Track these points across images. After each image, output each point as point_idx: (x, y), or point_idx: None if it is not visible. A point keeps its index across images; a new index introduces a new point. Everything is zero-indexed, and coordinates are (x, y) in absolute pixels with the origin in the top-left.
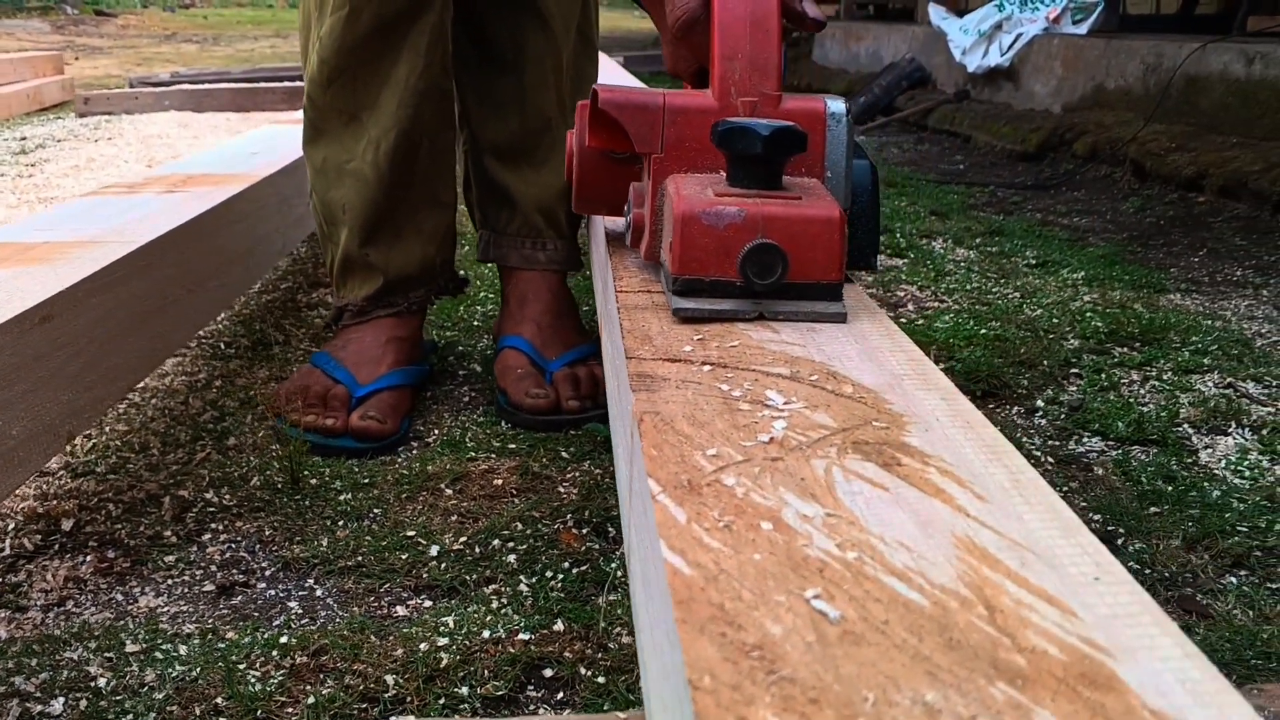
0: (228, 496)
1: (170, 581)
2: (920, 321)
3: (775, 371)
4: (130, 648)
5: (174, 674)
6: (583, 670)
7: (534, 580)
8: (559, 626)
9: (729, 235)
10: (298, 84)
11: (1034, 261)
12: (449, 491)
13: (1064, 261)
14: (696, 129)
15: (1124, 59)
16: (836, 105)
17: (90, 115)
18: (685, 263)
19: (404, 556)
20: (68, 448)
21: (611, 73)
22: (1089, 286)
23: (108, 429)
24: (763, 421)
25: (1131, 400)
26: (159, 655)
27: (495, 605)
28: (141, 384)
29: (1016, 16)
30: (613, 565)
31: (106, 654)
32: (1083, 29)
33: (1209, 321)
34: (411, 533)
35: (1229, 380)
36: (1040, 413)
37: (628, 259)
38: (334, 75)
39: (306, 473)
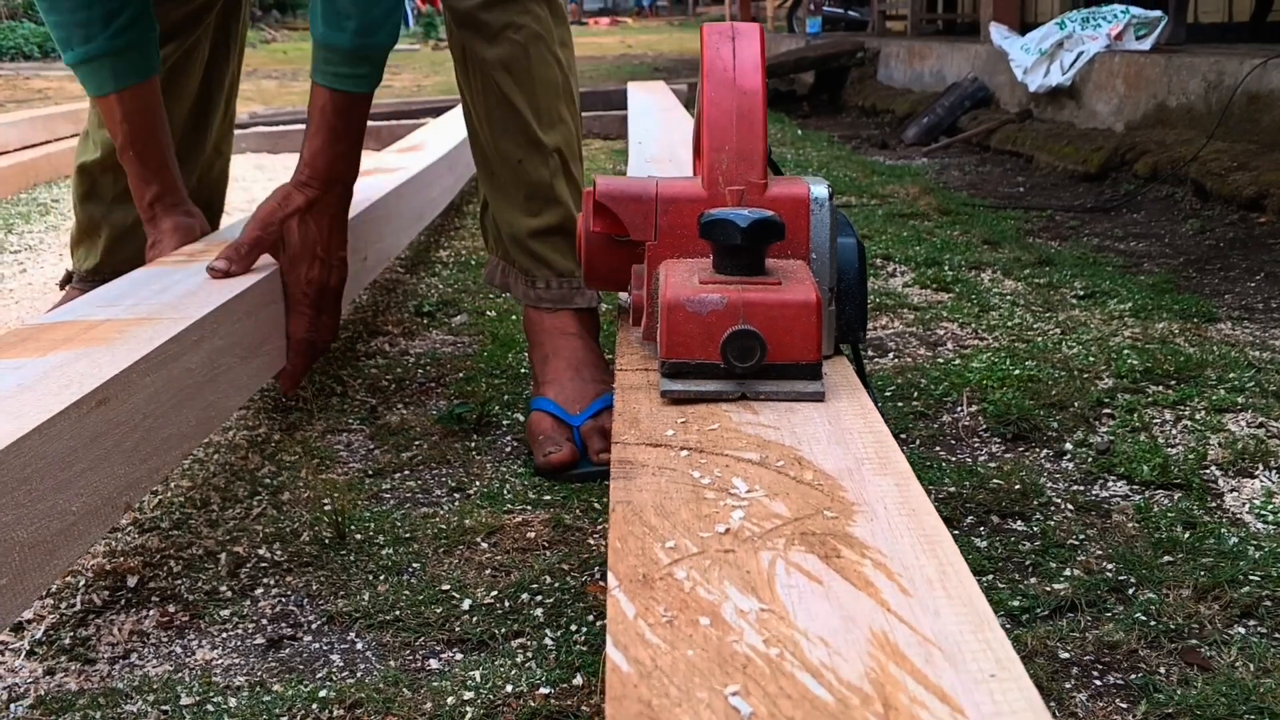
0: (279, 552)
1: (225, 635)
2: (957, 361)
3: (746, 457)
4: (185, 700)
5: None
6: None
7: (559, 633)
8: (578, 680)
9: (712, 321)
10: (376, 123)
11: (1082, 292)
12: (484, 545)
13: (1113, 292)
14: (687, 217)
15: (1185, 76)
16: (819, 190)
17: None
18: (672, 347)
19: (438, 610)
20: (136, 504)
21: (661, 102)
22: (1135, 318)
23: (173, 485)
24: (723, 511)
25: (1161, 442)
26: (210, 708)
27: (520, 659)
28: (206, 440)
29: (1078, 34)
30: None
31: (163, 707)
32: (1147, 44)
33: (1256, 353)
34: (446, 586)
35: (1260, 420)
36: (1068, 456)
37: (633, 335)
38: None
39: (352, 528)
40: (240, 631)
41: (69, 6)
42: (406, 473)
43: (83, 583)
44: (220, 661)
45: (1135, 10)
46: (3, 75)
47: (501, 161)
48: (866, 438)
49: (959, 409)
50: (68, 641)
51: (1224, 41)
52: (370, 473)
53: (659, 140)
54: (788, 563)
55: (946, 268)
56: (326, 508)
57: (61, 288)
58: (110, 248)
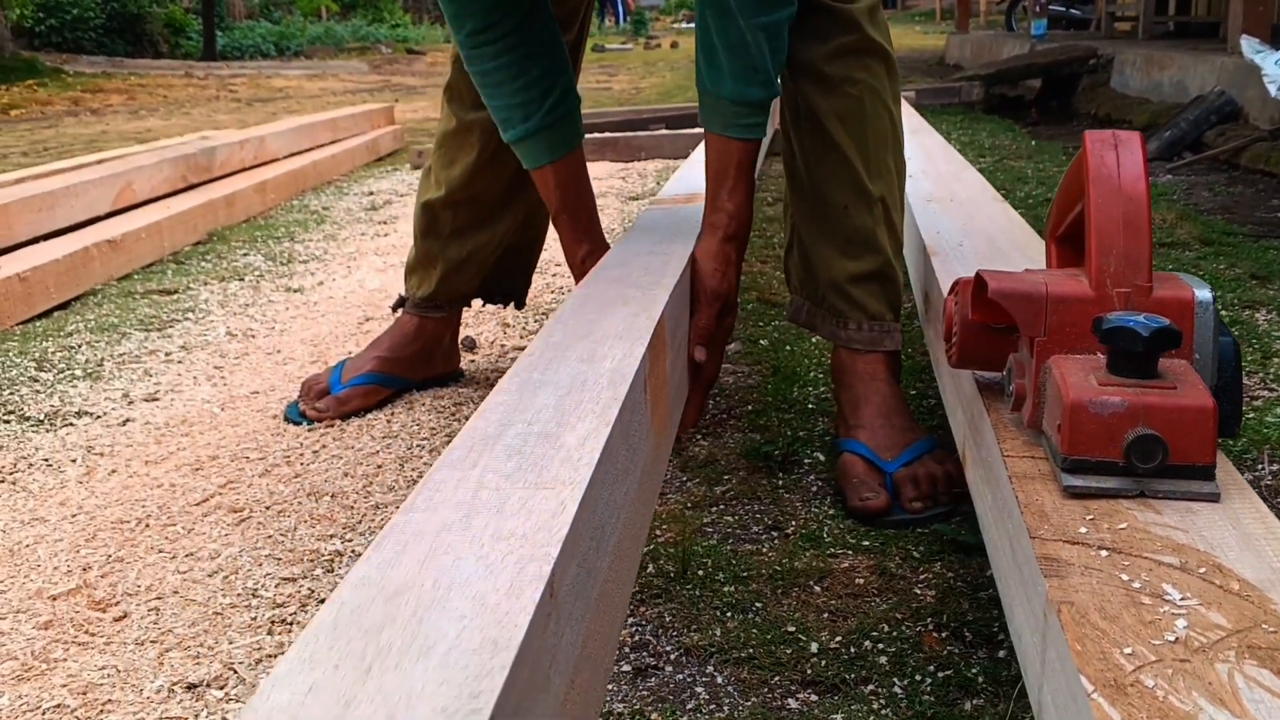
0: None
1: None
2: (1251, 415)
3: (1166, 561)
4: None
5: None
6: None
7: (906, 683)
8: None
9: (1112, 422)
10: (611, 135)
11: None
12: (817, 589)
13: None
14: (1075, 316)
15: None
16: (1203, 294)
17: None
18: (1073, 444)
19: (788, 651)
20: None
21: (908, 123)
22: None
23: None
24: (1165, 618)
25: None
26: None
27: (875, 705)
28: None
29: None
30: (973, 671)
31: None
32: None
33: None
34: (791, 628)
35: None
36: None
37: (1003, 415)
38: None
39: (693, 564)
40: None
41: (509, 91)
42: (722, 507)
43: None
44: None
45: None
46: (246, 74)
47: (826, 206)
48: (1275, 545)
49: (1260, 467)
50: None
51: None
52: (689, 505)
53: (926, 173)
54: (1245, 676)
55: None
56: (659, 540)
57: (394, 311)
58: (444, 279)
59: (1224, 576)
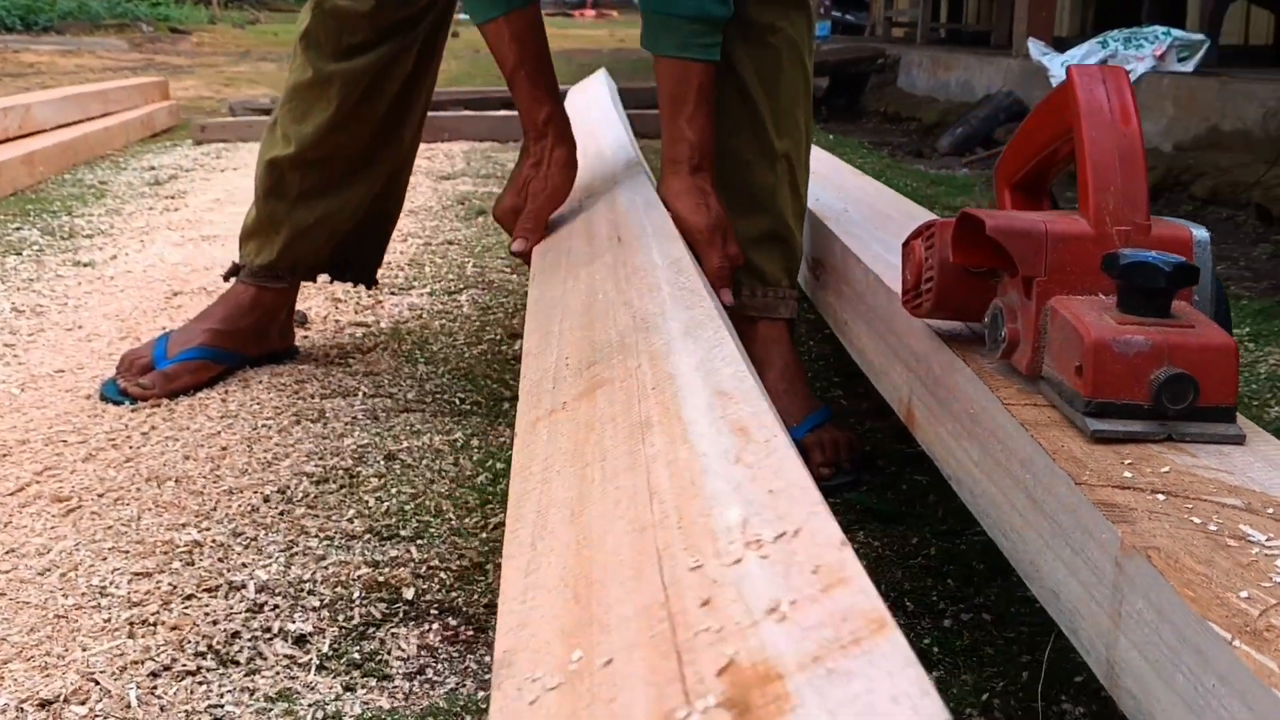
0: None
1: None
2: None
3: (1229, 503)
4: None
5: None
6: None
7: None
8: None
9: (1137, 362)
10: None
11: None
12: None
13: None
14: (1075, 254)
15: (1241, 101)
16: (1200, 233)
17: (207, 143)
18: (1098, 386)
19: None
20: (368, 504)
21: None
22: (1255, 344)
23: (393, 490)
24: (1262, 560)
25: None
26: None
27: None
28: (406, 444)
29: (1122, 54)
30: (925, 642)
31: None
32: (1189, 66)
33: None
34: None
35: None
36: None
37: (984, 364)
38: None
39: None
40: None
41: None
42: None
43: (356, 595)
44: None
45: (1177, 32)
46: None
47: (729, 162)
48: None
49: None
50: (357, 656)
51: (1250, 65)
52: None
53: None
54: None
55: None
56: None
57: (226, 279)
58: (288, 246)
59: None
